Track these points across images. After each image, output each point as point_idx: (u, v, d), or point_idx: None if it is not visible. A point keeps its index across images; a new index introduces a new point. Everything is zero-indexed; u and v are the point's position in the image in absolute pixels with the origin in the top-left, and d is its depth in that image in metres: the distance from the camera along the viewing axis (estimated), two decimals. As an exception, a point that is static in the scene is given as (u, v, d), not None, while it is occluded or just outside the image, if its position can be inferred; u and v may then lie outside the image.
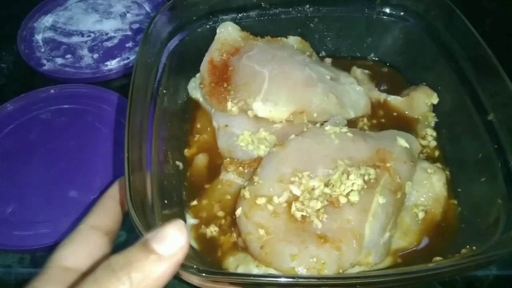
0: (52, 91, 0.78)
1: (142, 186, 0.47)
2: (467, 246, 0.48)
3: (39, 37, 0.89)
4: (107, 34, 0.90)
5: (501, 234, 0.46)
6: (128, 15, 0.93)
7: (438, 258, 0.47)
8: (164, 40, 0.64)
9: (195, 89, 0.70)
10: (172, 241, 0.32)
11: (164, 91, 0.62)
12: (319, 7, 0.71)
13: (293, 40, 0.73)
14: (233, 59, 0.67)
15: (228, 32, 0.69)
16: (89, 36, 0.90)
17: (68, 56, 0.85)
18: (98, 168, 0.68)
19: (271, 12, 0.71)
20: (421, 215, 0.55)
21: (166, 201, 0.52)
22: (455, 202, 0.57)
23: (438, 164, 0.60)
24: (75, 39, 0.89)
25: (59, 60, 0.84)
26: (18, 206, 0.64)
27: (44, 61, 0.84)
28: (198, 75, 0.70)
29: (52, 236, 0.60)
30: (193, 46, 0.69)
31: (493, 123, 0.54)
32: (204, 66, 0.67)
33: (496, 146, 0.53)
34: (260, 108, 0.61)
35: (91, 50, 0.87)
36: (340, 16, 0.72)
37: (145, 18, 0.93)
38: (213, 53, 0.68)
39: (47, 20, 0.93)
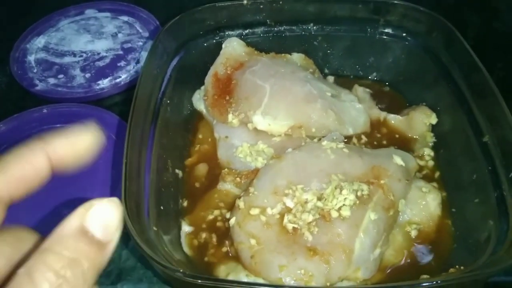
0: (45, 110, 0.79)
1: (138, 192, 0.49)
2: (456, 266, 0.48)
3: (31, 58, 0.90)
4: (99, 54, 0.91)
5: (489, 255, 0.46)
6: (120, 35, 0.95)
7: (425, 276, 0.48)
8: (171, 52, 0.67)
9: (199, 101, 0.72)
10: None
11: (168, 102, 0.64)
12: (323, 26, 0.73)
13: (297, 57, 0.75)
14: (237, 73, 0.69)
15: (233, 47, 0.71)
16: (81, 56, 0.91)
17: (61, 76, 0.86)
18: (91, 185, 0.67)
19: (276, 29, 0.74)
20: (414, 233, 0.56)
21: (162, 208, 0.53)
22: (449, 222, 0.57)
23: (434, 184, 0.61)
24: (67, 59, 0.90)
25: (52, 80, 0.85)
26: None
27: (37, 82, 0.85)
28: (203, 87, 0.72)
29: None
30: (199, 60, 0.72)
31: (488, 145, 0.55)
32: (209, 79, 0.69)
33: (490, 168, 0.53)
34: (259, 121, 0.63)
35: (83, 69, 0.88)
36: (343, 36, 0.73)
37: (136, 37, 0.94)
38: (218, 67, 0.70)
39: (40, 41, 0.94)
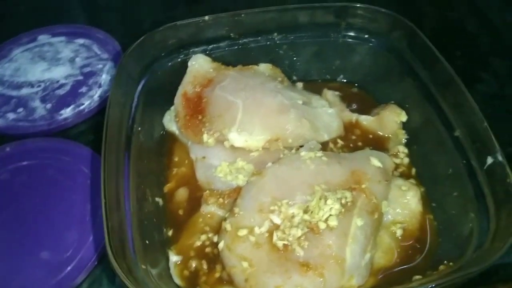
0: (8, 149, 0.75)
1: (121, 227, 0.47)
2: (445, 262, 0.49)
3: None
4: (58, 81, 0.87)
5: (474, 248, 0.47)
6: (77, 59, 0.91)
7: (417, 277, 0.49)
8: (136, 76, 0.65)
9: (170, 122, 0.71)
10: None
11: (139, 128, 0.62)
12: (286, 34, 0.73)
13: (264, 67, 0.74)
14: (207, 90, 0.68)
15: (199, 64, 0.70)
16: (39, 86, 0.86)
17: (20, 109, 0.82)
18: (66, 223, 0.65)
19: (240, 41, 0.73)
20: (399, 232, 0.57)
21: (147, 241, 0.52)
22: (431, 217, 0.59)
23: (412, 180, 0.62)
24: (25, 91, 0.85)
25: (11, 115, 0.81)
26: None
27: None
28: (172, 107, 0.71)
29: None
30: (165, 80, 0.70)
31: (460, 138, 0.56)
32: (178, 99, 0.68)
33: (464, 162, 0.55)
34: (236, 138, 0.62)
35: (43, 100, 0.83)
36: (307, 42, 0.74)
37: (95, 60, 0.91)
38: (186, 86, 0.68)
39: None
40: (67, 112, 0.81)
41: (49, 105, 0.83)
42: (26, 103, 0.84)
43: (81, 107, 0.82)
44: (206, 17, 0.69)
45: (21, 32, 0.98)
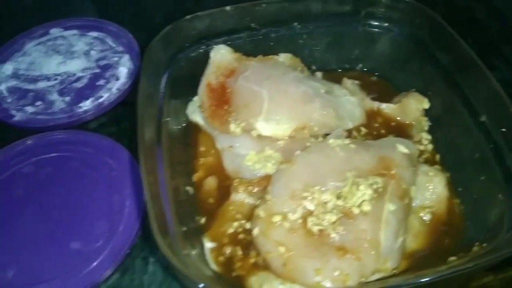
0: (29, 142, 0.75)
1: (163, 216, 0.48)
2: (477, 243, 0.51)
3: (2, 87, 0.85)
4: (74, 74, 0.86)
5: (507, 229, 0.49)
6: (92, 52, 0.90)
7: (452, 258, 0.50)
8: (161, 68, 0.65)
9: (193, 113, 0.71)
10: None
11: (167, 119, 0.62)
12: (306, 24, 0.74)
13: (284, 57, 0.75)
14: (230, 81, 0.68)
15: (221, 54, 0.71)
16: (55, 79, 0.86)
17: (38, 103, 0.82)
18: (94, 214, 0.65)
19: (261, 32, 0.73)
20: (427, 216, 0.58)
21: (183, 228, 0.53)
22: (458, 201, 0.60)
23: (437, 166, 0.63)
24: (41, 84, 0.85)
25: (30, 109, 0.81)
26: (20, 269, 0.60)
27: (13, 112, 0.80)
28: (195, 98, 0.71)
29: None
30: (188, 71, 0.70)
31: (486, 124, 0.57)
32: (202, 90, 0.68)
33: (492, 146, 0.56)
34: (263, 127, 0.63)
35: (61, 93, 0.83)
36: (327, 31, 0.75)
37: (111, 53, 0.90)
38: (209, 77, 0.69)
39: (7, 68, 0.89)
40: (86, 105, 0.81)
41: (67, 98, 0.83)
42: (44, 96, 0.84)
43: (100, 100, 0.82)
44: (228, 8, 0.70)
45: (32, 26, 0.97)
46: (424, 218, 0.58)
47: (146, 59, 0.61)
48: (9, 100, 0.83)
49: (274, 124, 0.63)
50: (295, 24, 0.73)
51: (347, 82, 0.76)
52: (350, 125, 0.68)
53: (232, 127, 0.64)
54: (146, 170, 0.48)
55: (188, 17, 0.68)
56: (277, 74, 0.68)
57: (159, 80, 0.64)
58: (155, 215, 0.44)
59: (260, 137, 0.64)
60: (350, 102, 0.70)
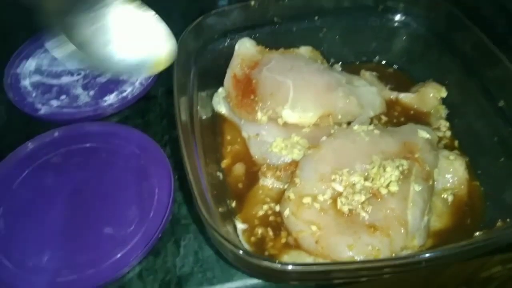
0: (56, 133, 0.77)
1: (204, 198, 0.50)
2: (500, 220, 0.53)
3: (26, 82, 0.87)
4: None
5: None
6: None
7: (478, 233, 0.52)
8: (191, 60, 0.68)
9: (219, 104, 0.74)
10: None
11: (198, 108, 0.65)
12: (326, 18, 0.77)
13: (305, 50, 0.78)
14: (254, 72, 0.71)
15: (246, 47, 0.73)
16: (79, 74, 0.88)
17: (63, 97, 0.84)
18: (125, 201, 0.68)
19: (283, 25, 0.76)
20: (450, 198, 0.61)
21: (220, 209, 0.55)
22: (477, 183, 0.63)
23: (456, 151, 0.66)
24: (65, 79, 0.88)
25: (55, 103, 0.83)
26: (54, 253, 0.62)
27: (39, 106, 0.82)
28: (220, 90, 0.74)
29: (98, 276, 0.60)
30: (213, 63, 0.73)
31: (504, 108, 0.60)
32: (228, 81, 0.71)
33: (510, 129, 0.59)
34: (290, 115, 0.65)
35: (85, 88, 0.86)
36: (346, 25, 0.77)
37: None
38: (235, 68, 0.72)
39: (30, 64, 0.91)
40: (111, 99, 0.84)
41: (92, 92, 0.85)
42: (68, 90, 0.86)
43: (124, 94, 0.84)
44: (252, 2, 0.72)
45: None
46: (447, 199, 0.60)
47: (180, 49, 0.63)
48: (34, 94, 0.85)
49: (300, 111, 0.66)
50: (316, 18, 0.76)
51: (366, 73, 0.78)
52: (371, 114, 0.70)
53: (259, 115, 0.66)
54: (187, 156, 0.51)
55: (215, 11, 0.70)
56: (300, 65, 0.71)
57: (189, 72, 0.67)
58: (199, 197, 0.46)
59: (285, 124, 0.66)
60: (370, 92, 0.73)
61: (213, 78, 0.73)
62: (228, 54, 0.74)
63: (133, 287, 0.60)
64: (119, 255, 0.62)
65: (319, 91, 0.67)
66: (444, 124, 0.70)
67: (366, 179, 0.57)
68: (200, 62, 0.70)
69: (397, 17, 0.76)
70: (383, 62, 0.81)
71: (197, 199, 0.46)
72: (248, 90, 0.69)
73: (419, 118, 0.72)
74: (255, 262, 0.44)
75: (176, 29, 0.65)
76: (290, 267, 0.43)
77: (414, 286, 1.05)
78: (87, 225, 0.66)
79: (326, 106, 0.66)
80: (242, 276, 0.59)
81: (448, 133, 0.69)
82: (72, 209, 0.68)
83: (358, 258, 0.50)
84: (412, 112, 0.73)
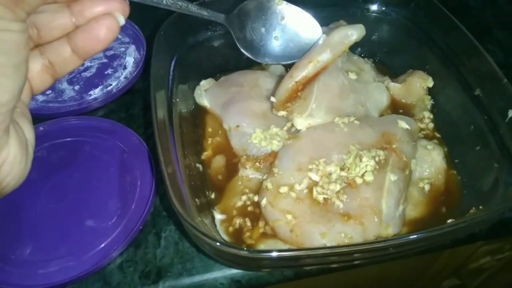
0: (41, 128, 0.78)
1: (179, 190, 0.51)
2: (473, 208, 0.54)
3: None
4: (83, 65, 0.89)
5: (502, 193, 0.52)
6: None
7: (451, 221, 0.53)
8: (170, 52, 0.68)
9: (200, 96, 0.74)
10: None
11: (177, 100, 0.65)
12: (306, 10, 0.76)
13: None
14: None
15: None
16: None
17: (48, 92, 0.85)
18: (108, 194, 0.68)
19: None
20: (427, 187, 0.61)
21: (197, 200, 0.56)
22: (454, 172, 0.63)
23: (435, 141, 0.66)
24: None
25: (40, 97, 0.84)
26: (37, 245, 0.63)
27: None
28: (202, 82, 0.74)
29: (79, 267, 0.61)
30: (194, 56, 0.73)
31: (480, 97, 0.61)
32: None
33: (485, 117, 0.59)
34: (301, 123, 0.63)
35: (70, 83, 0.87)
36: (326, 16, 0.77)
37: (117, 44, 0.93)
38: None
39: None
40: (96, 93, 0.84)
41: (77, 87, 0.86)
42: (53, 86, 0.86)
43: (109, 88, 0.85)
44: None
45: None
46: (424, 188, 0.61)
47: (157, 43, 0.64)
48: (19, 89, 0.86)
49: (310, 119, 0.63)
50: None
51: (365, 65, 0.76)
52: (375, 115, 0.69)
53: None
54: (162, 149, 0.51)
55: (196, 2, 0.70)
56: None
57: (169, 64, 0.67)
58: (173, 190, 0.47)
59: (265, 115, 0.67)
60: (378, 89, 0.72)
61: (194, 70, 0.74)
62: (210, 46, 0.74)
63: (113, 278, 0.61)
64: (100, 247, 0.63)
65: (333, 98, 0.64)
66: (427, 116, 0.70)
67: (342, 169, 0.57)
68: (181, 55, 0.71)
69: (377, 8, 0.76)
70: (365, 54, 0.81)
71: (170, 190, 0.46)
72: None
73: (404, 108, 0.72)
74: (225, 250, 0.44)
75: (158, 20, 0.66)
76: (254, 254, 0.44)
77: (405, 278, 1.06)
78: (69, 217, 0.67)
79: (335, 112, 0.64)
80: (221, 267, 0.60)
81: (431, 125, 0.69)
82: (56, 201, 0.69)
83: (330, 245, 0.51)
84: (397, 102, 0.73)
